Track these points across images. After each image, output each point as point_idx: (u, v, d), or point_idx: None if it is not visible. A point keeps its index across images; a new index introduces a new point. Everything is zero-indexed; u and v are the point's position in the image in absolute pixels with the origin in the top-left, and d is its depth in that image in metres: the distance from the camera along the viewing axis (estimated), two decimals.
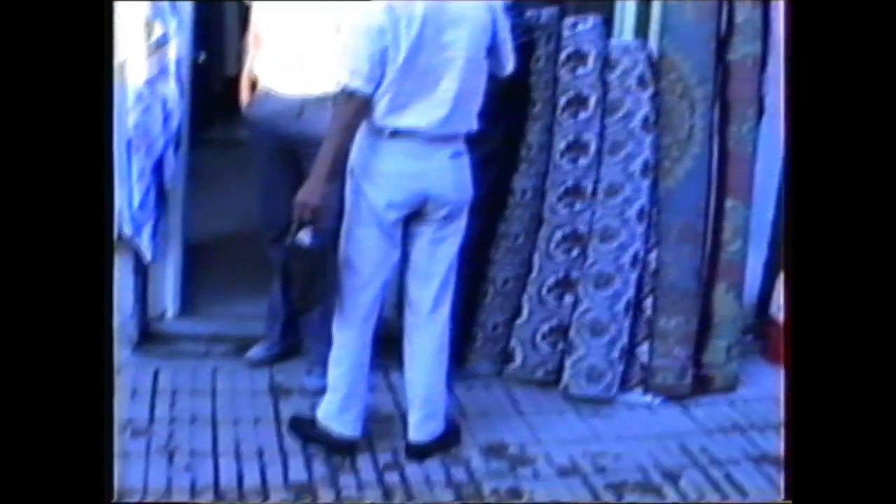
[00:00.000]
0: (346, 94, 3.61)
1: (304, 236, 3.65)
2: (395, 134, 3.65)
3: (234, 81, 4.62)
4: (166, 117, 4.37)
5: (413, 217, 3.79)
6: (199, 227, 5.18)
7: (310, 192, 3.62)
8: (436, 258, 3.86)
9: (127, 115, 4.26)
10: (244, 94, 4.46)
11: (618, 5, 4.78)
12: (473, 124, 3.77)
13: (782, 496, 3.33)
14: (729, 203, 4.57)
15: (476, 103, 3.76)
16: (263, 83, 4.33)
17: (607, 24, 4.64)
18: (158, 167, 4.43)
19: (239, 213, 5.57)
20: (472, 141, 3.85)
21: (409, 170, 3.69)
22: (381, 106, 3.62)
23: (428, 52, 3.58)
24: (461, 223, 3.87)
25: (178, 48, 4.36)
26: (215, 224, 5.75)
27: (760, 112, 4.60)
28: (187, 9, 4.52)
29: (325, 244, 3.71)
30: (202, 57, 4.63)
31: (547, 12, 4.47)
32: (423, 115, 3.64)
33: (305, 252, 3.67)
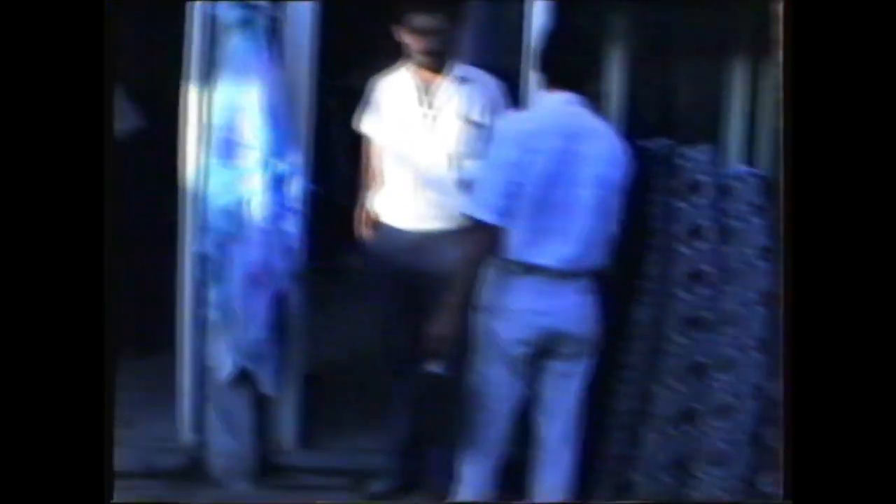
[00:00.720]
0: (480, 228, 3.66)
1: (435, 367, 3.67)
2: (527, 270, 3.68)
3: (350, 212, 4.70)
4: (288, 252, 4.47)
5: (541, 353, 3.80)
6: (318, 357, 5.21)
7: (442, 325, 3.66)
8: (563, 394, 3.86)
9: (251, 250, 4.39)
10: (363, 228, 4.53)
11: (731, 132, 4.79)
12: (603, 260, 3.79)
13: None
14: None
15: (605, 239, 3.79)
16: (383, 217, 4.41)
17: (720, 151, 4.65)
18: (279, 301, 4.52)
19: (357, 343, 5.61)
20: (596, 274, 3.87)
21: (538, 307, 3.70)
22: (512, 241, 3.67)
23: (560, 188, 3.64)
24: (588, 359, 3.87)
25: (298, 183, 4.47)
26: (334, 353, 5.79)
27: None
28: (306, 142, 4.65)
29: (455, 375, 3.74)
30: (320, 189, 4.73)
31: (660, 143, 4.49)
32: (554, 251, 3.67)
33: (437, 382, 3.68)
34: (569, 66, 3.78)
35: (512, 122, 3.88)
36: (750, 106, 4.89)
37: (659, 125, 4.68)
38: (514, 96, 4.45)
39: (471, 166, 4.17)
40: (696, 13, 4.68)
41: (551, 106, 3.77)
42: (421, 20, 4.14)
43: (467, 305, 3.74)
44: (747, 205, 4.47)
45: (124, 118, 5.65)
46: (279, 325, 4.57)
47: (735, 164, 4.74)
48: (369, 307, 4.65)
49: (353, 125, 4.53)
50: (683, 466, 4.50)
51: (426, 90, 4.26)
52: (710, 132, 4.84)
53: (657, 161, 4.48)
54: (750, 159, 4.78)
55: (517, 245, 3.67)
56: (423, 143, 4.25)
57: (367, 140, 4.49)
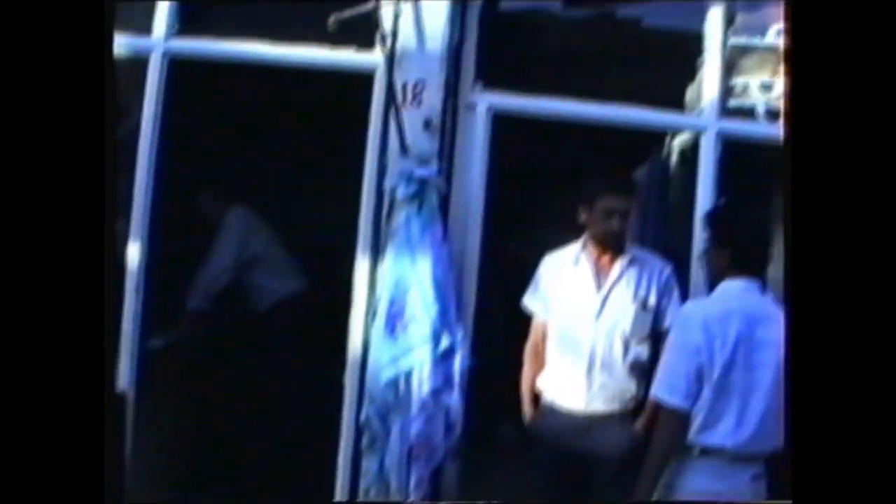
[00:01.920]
0: (668, 412, 3.69)
1: None
2: (704, 452, 3.68)
3: (512, 388, 4.68)
4: (448, 427, 4.47)
5: None
6: None
7: None
8: None
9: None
10: (526, 406, 4.50)
11: None
12: (777, 443, 3.71)
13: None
14: None
15: (780, 422, 3.70)
16: (547, 396, 4.39)
17: None
18: (437, 475, 4.50)
19: None
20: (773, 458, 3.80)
21: (712, 489, 3.66)
22: (693, 424, 3.68)
23: (739, 372, 3.66)
24: None
25: (462, 359, 4.50)
26: None
27: None
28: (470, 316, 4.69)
29: None
30: (481, 365, 4.75)
31: None
32: (731, 434, 3.66)
33: None
34: (747, 251, 3.83)
35: (697, 306, 3.94)
36: None
37: None
38: (684, 280, 4.46)
39: (641, 350, 4.18)
40: None
41: (733, 292, 3.79)
42: (613, 201, 4.20)
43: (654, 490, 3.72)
44: None
45: (286, 280, 5.82)
46: (434, 498, 4.55)
47: None
48: (525, 484, 4.58)
49: (519, 301, 4.55)
50: None
51: (600, 271, 4.28)
52: None
53: None
54: None
55: (698, 427, 3.68)
56: (593, 324, 4.24)
57: (533, 316, 4.51)
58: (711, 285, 3.94)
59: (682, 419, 3.67)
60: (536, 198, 5.78)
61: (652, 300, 4.22)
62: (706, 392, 3.65)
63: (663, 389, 3.73)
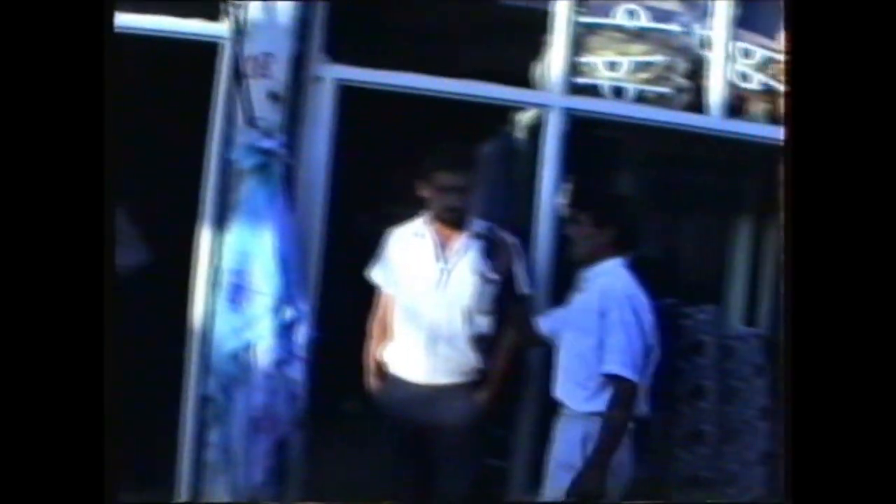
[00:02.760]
0: (628, 387, 3.81)
1: None
2: None
3: (357, 361, 4.72)
4: (292, 399, 4.47)
5: None
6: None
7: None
8: None
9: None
10: (371, 378, 4.54)
11: (733, 292, 4.86)
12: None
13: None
14: None
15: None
16: (392, 368, 4.43)
17: (723, 312, 4.71)
18: (282, 446, 4.50)
19: (361, 488, 5.55)
20: None
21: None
22: None
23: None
24: None
25: (306, 330, 4.50)
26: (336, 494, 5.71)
27: None
28: (314, 290, 4.69)
29: None
30: (325, 337, 4.75)
31: (665, 302, 4.54)
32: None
33: None
34: (628, 231, 4.08)
35: (631, 286, 4.02)
36: (752, 265, 4.97)
37: (664, 284, 4.72)
38: (528, 252, 4.54)
39: (484, 322, 4.24)
40: (703, 174, 4.79)
41: (623, 270, 4.01)
42: (447, 178, 4.24)
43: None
44: (749, 365, 4.52)
45: (129, 251, 5.69)
46: (280, 471, 4.55)
47: (737, 324, 4.80)
48: (370, 455, 4.62)
49: (364, 274, 4.58)
50: None
51: (443, 245, 4.32)
52: (714, 292, 4.90)
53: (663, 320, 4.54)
54: (751, 319, 4.82)
55: None
56: (436, 297, 4.28)
57: (378, 290, 4.54)
58: (586, 263, 4.06)
59: (637, 393, 3.84)
60: (382, 172, 5.80)
61: (494, 274, 4.26)
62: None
63: (622, 366, 3.83)
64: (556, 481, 3.87)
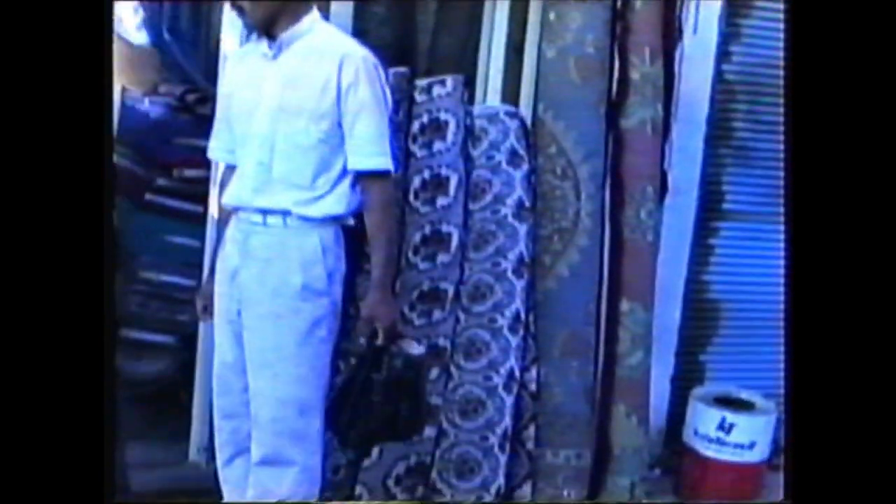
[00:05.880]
0: (387, 178, 3.20)
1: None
2: None
3: None
4: None
5: None
6: None
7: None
8: None
9: None
10: None
11: (481, 63, 3.94)
12: None
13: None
14: (625, 306, 3.91)
15: None
16: None
17: (470, 85, 3.81)
18: None
19: None
20: None
21: None
22: None
23: None
24: None
25: None
26: None
27: (663, 191, 3.99)
28: None
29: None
30: None
31: (393, 72, 3.59)
32: None
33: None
34: None
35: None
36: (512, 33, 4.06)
37: (392, 50, 3.74)
38: None
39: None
40: None
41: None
42: None
43: None
44: (501, 152, 3.69)
45: None
46: None
47: (488, 101, 3.89)
48: None
49: None
50: (424, 475, 3.78)
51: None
52: (463, 62, 3.98)
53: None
54: (507, 96, 3.92)
55: None
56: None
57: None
58: None
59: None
60: None
61: None
62: None
63: (376, 157, 3.22)
64: None
